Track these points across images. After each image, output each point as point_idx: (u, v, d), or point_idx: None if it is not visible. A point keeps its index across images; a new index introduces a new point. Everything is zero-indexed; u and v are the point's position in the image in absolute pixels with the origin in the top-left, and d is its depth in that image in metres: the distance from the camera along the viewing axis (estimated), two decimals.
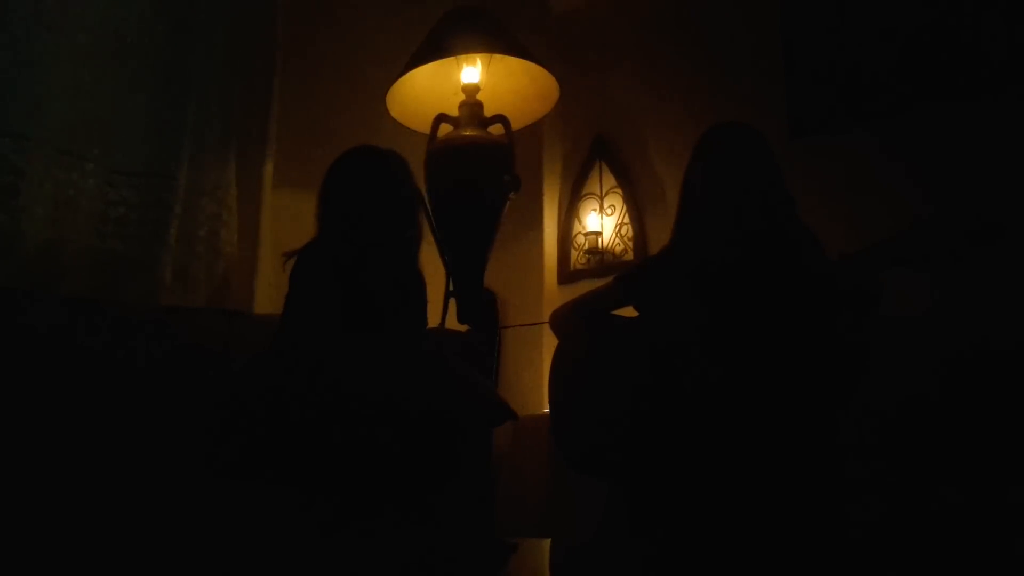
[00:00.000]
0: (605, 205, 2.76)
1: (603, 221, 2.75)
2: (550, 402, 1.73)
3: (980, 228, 1.36)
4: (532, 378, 2.58)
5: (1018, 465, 1.40)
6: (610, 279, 1.78)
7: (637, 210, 2.67)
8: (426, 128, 2.17)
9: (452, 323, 2.11)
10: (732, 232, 1.57)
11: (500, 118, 2.17)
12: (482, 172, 2.10)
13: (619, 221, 2.71)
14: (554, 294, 2.72)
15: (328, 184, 1.75)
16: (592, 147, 2.82)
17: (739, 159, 1.62)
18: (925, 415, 1.39)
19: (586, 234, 2.76)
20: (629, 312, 1.71)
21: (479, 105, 2.17)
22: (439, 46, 2.11)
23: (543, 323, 2.63)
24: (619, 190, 2.72)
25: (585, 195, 2.81)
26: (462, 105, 2.17)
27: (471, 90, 2.18)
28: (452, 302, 2.14)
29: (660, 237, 2.57)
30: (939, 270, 1.68)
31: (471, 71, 2.19)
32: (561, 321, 1.82)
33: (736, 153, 1.63)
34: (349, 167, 1.77)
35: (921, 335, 1.50)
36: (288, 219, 2.24)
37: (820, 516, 1.37)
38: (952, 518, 1.34)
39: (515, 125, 2.20)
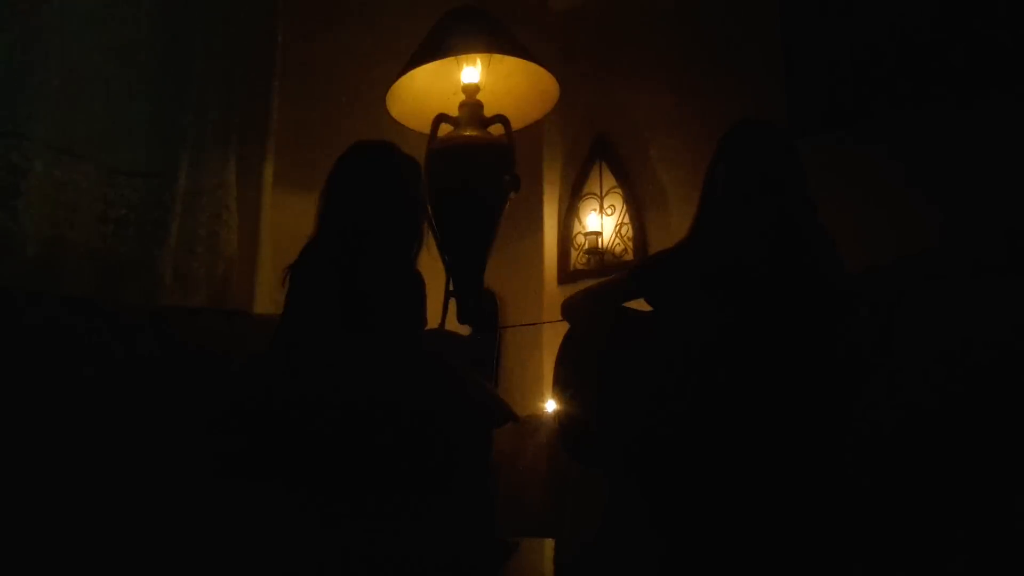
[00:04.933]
0: (605, 205, 2.76)
1: (603, 221, 2.74)
2: (555, 390, 1.68)
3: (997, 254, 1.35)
4: (532, 378, 2.58)
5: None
6: (625, 271, 1.75)
7: (637, 210, 2.67)
8: (426, 128, 2.17)
9: (452, 323, 2.11)
10: (751, 235, 1.55)
11: (500, 118, 2.17)
12: (482, 172, 2.10)
13: (619, 221, 2.71)
14: (554, 294, 2.72)
15: (332, 180, 1.71)
16: (592, 147, 2.82)
17: (762, 159, 1.60)
18: (933, 419, 1.39)
19: (586, 234, 2.76)
20: (642, 304, 1.69)
21: (479, 105, 2.17)
22: (439, 46, 2.11)
23: (543, 323, 2.63)
24: (619, 190, 2.72)
25: (585, 195, 2.81)
26: (462, 105, 2.17)
27: (471, 90, 2.18)
28: (452, 302, 2.14)
29: (660, 237, 2.57)
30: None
31: (471, 71, 2.19)
32: (574, 309, 1.80)
33: (760, 153, 1.61)
34: (354, 163, 1.72)
35: (929, 338, 1.49)
36: (288, 219, 2.24)
37: (828, 517, 1.36)
38: (959, 523, 1.33)
39: (515, 125, 2.20)
